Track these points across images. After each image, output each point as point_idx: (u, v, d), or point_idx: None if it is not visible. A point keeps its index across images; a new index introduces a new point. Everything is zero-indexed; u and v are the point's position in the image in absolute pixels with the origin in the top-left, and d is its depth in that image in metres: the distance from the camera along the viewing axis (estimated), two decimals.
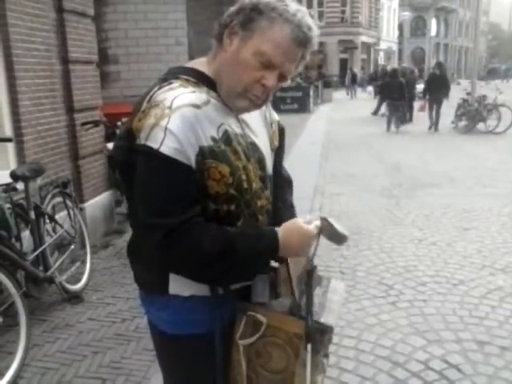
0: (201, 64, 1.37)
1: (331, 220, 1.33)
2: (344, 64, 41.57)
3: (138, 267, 1.43)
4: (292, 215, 1.53)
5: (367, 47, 45.58)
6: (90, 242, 4.36)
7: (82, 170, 4.82)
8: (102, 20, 6.32)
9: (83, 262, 4.12)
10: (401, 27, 55.37)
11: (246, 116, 1.38)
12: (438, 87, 13.87)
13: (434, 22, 56.58)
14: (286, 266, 1.30)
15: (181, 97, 1.23)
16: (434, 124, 14.10)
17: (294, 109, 19.16)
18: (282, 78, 1.29)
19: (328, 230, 1.33)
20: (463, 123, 14.14)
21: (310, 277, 1.31)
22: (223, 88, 1.30)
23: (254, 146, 1.38)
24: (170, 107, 1.20)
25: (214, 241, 1.21)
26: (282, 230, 1.29)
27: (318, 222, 1.32)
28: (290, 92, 18.96)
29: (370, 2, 45.47)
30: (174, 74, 1.33)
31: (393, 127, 14.14)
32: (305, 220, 1.32)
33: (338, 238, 1.35)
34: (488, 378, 2.79)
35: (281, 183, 1.59)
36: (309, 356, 1.25)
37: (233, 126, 1.32)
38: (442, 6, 56.69)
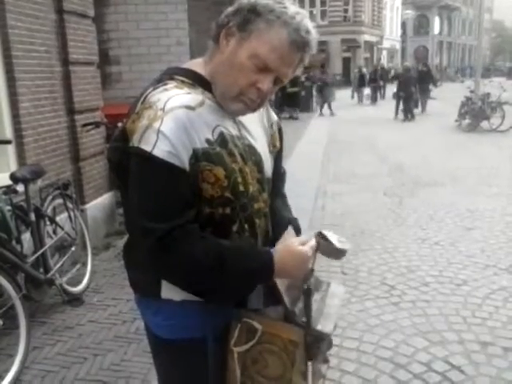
0: (197, 65, 1.34)
1: (327, 233, 1.29)
2: (347, 63, 41.47)
3: (132, 270, 1.41)
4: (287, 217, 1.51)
5: (370, 46, 45.41)
6: (90, 243, 4.35)
7: (83, 171, 4.82)
8: (103, 21, 6.30)
9: (84, 264, 4.11)
10: (404, 26, 55.13)
11: (243, 118, 1.35)
12: (426, 81, 18.53)
13: (437, 20, 56.38)
14: None
15: (174, 98, 1.20)
16: (423, 108, 18.69)
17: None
18: (278, 81, 1.27)
19: (325, 247, 1.29)
20: (467, 121, 14.12)
21: (307, 297, 1.27)
22: (218, 90, 1.28)
23: (251, 148, 1.35)
24: (162, 109, 1.18)
25: (207, 252, 1.19)
26: (277, 252, 1.25)
27: (313, 242, 1.28)
28: None
29: (373, 1, 45.27)
30: (169, 75, 1.31)
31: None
32: (300, 241, 1.28)
33: (335, 254, 1.32)
34: (491, 380, 2.76)
35: (278, 184, 1.57)
36: (310, 374, 1.22)
37: (229, 128, 1.30)
38: (445, 3, 56.43)
